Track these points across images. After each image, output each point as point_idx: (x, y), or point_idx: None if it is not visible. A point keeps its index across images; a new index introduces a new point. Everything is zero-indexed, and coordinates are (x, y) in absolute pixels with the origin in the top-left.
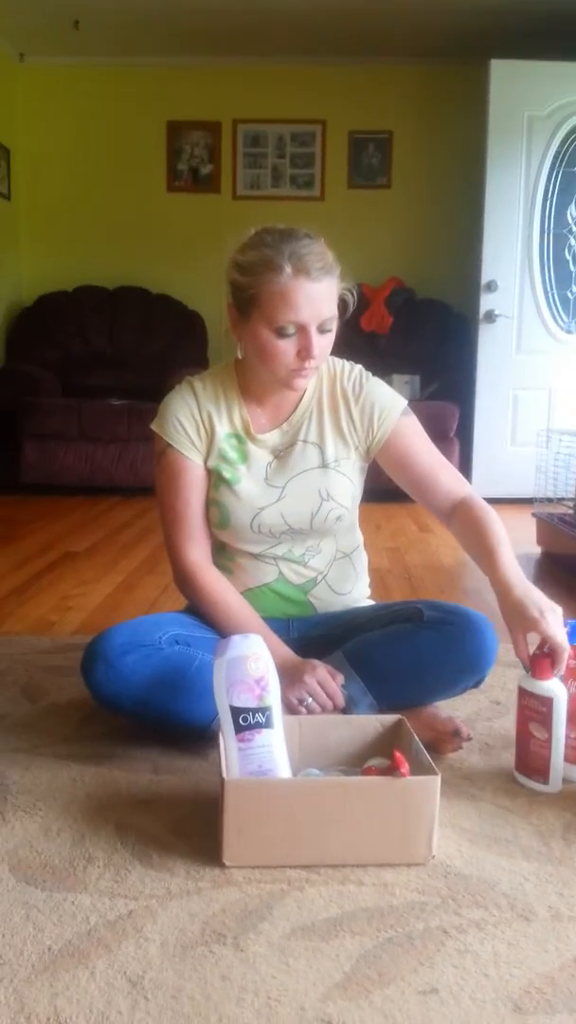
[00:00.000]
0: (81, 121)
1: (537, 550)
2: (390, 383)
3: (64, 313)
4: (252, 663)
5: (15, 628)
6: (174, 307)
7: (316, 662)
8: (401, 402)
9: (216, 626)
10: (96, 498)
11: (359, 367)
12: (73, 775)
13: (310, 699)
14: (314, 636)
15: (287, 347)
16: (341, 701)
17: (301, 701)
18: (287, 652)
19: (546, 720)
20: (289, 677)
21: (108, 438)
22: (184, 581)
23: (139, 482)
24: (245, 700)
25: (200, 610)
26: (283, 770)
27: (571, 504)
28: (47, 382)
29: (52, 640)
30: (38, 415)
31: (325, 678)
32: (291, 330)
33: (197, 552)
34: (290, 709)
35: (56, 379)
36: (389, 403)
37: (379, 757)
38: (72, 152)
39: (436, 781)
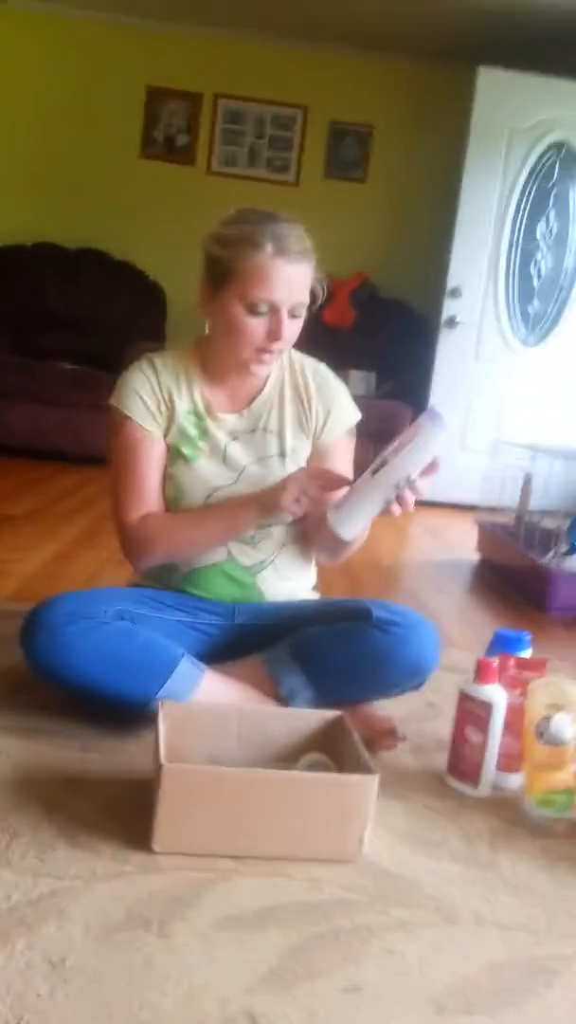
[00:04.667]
0: (58, 72)
1: (476, 557)
2: (347, 377)
3: (20, 269)
4: None
5: None
6: (136, 276)
7: (293, 472)
8: (354, 418)
9: (195, 539)
10: (38, 463)
11: (324, 365)
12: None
13: (304, 498)
14: (258, 625)
15: (256, 325)
16: (334, 486)
17: (297, 500)
18: (257, 492)
19: (483, 725)
20: (276, 490)
21: (56, 402)
22: (135, 537)
23: (83, 450)
24: None
25: (166, 549)
26: None
27: (513, 515)
28: None
29: None
30: None
31: (304, 477)
32: (263, 308)
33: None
34: (290, 512)
35: (7, 336)
36: (344, 414)
37: (316, 752)
38: (45, 103)
39: (373, 780)
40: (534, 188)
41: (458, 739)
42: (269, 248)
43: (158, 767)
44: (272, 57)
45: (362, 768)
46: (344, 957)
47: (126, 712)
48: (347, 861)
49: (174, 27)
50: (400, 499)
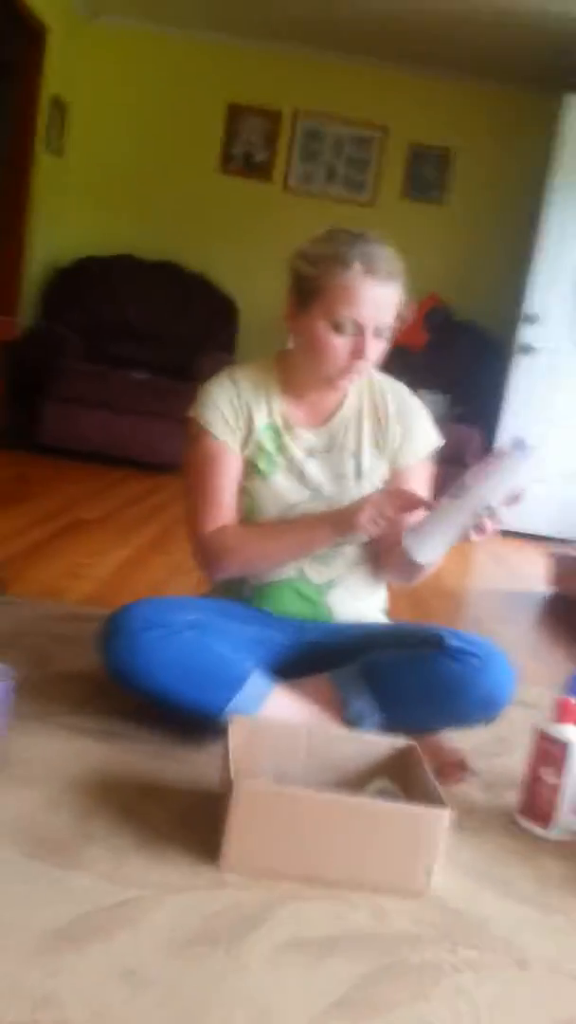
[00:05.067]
0: (143, 88)
1: (545, 589)
2: (419, 398)
3: (100, 279)
4: None
5: (25, 590)
6: (209, 289)
7: (372, 493)
8: (434, 443)
9: (270, 553)
10: (110, 467)
11: (405, 387)
12: (78, 748)
13: (380, 517)
14: (327, 644)
15: (341, 344)
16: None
17: (374, 521)
18: (333, 510)
19: (559, 766)
20: (354, 509)
21: (128, 410)
22: (211, 548)
23: (155, 458)
24: None
25: (241, 562)
26: None
27: None
28: (74, 345)
29: (63, 607)
30: (62, 377)
31: (382, 498)
32: (349, 327)
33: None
34: (366, 532)
35: (83, 344)
36: (423, 437)
37: (384, 779)
38: (129, 118)
39: (446, 814)
40: None
41: (532, 779)
42: (357, 267)
43: (228, 784)
44: (352, 76)
45: (433, 800)
46: (414, 994)
47: (196, 721)
48: (414, 894)
49: (255, 44)
50: (479, 526)
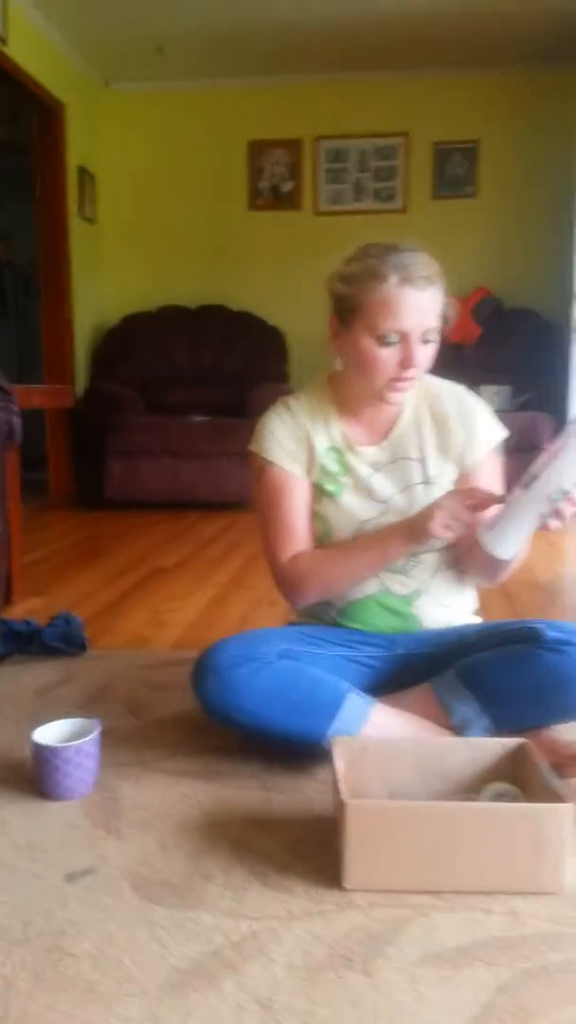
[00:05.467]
0: (163, 144)
1: None
2: (479, 393)
3: (147, 333)
4: None
5: (112, 643)
6: (255, 323)
7: (441, 496)
8: (498, 436)
9: (347, 573)
10: (180, 513)
11: (461, 386)
12: (184, 791)
13: (453, 520)
14: (420, 654)
15: (389, 356)
16: (484, 504)
17: (447, 526)
18: (405, 521)
19: None
20: (425, 517)
21: (190, 454)
22: (289, 577)
23: (222, 497)
24: None
25: (320, 584)
26: None
27: None
28: (130, 400)
29: (150, 655)
30: (122, 433)
31: (452, 501)
32: (394, 338)
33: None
34: (442, 538)
35: (139, 397)
36: (486, 434)
37: (500, 781)
38: (155, 175)
39: (569, 808)
40: None
41: None
42: (394, 278)
43: (340, 805)
44: (365, 91)
45: (554, 796)
46: (561, 995)
47: (300, 750)
48: (548, 892)
49: (265, 81)
50: (556, 512)
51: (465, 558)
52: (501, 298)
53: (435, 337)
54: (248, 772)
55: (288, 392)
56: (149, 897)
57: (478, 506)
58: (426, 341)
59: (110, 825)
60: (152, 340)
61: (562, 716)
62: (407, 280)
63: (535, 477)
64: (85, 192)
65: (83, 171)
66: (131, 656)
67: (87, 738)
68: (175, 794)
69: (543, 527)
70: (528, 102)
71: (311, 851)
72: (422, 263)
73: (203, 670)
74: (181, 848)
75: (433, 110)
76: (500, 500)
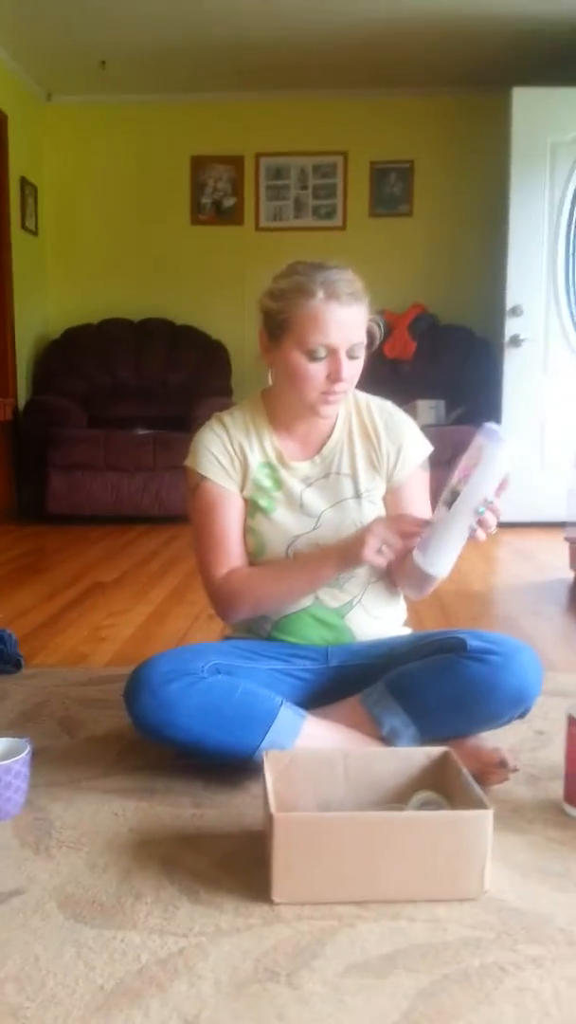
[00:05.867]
0: (107, 158)
1: (570, 575)
2: (415, 408)
3: (90, 345)
4: None
5: (48, 660)
6: (198, 337)
7: (371, 523)
8: (425, 451)
9: (278, 594)
10: (123, 527)
11: (390, 403)
12: (115, 809)
13: (385, 548)
14: (353, 666)
15: (317, 370)
16: (415, 531)
17: (379, 551)
18: (337, 545)
19: None
20: (357, 543)
21: (133, 468)
22: (222, 594)
23: (165, 511)
24: None
25: (252, 603)
26: None
27: None
28: (73, 413)
29: (86, 672)
30: (64, 446)
31: (383, 527)
32: (322, 353)
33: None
34: (376, 563)
35: (82, 410)
36: (414, 449)
37: (426, 790)
38: (98, 188)
39: (488, 815)
40: None
41: (572, 765)
42: (320, 294)
43: (269, 817)
44: (306, 110)
45: (475, 803)
46: (477, 999)
47: (233, 765)
48: (470, 899)
49: (209, 97)
50: (482, 523)
51: (395, 570)
52: (436, 314)
53: (361, 352)
54: (181, 789)
55: (231, 405)
56: (77, 917)
57: (406, 534)
58: (353, 356)
59: (39, 845)
60: (95, 353)
61: (486, 724)
62: (333, 296)
63: (456, 494)
64: (27, 204)
65: (25, 182)
66: (67, 673)
67: (16, 758)
68: (106, 812)
69: (472, 539)
70: (459, 124)
71: (241, 866)
72: (347, 280)
73: (136, 686)
74: (111, 867)
75: (370, 130)
76: (426, 524)
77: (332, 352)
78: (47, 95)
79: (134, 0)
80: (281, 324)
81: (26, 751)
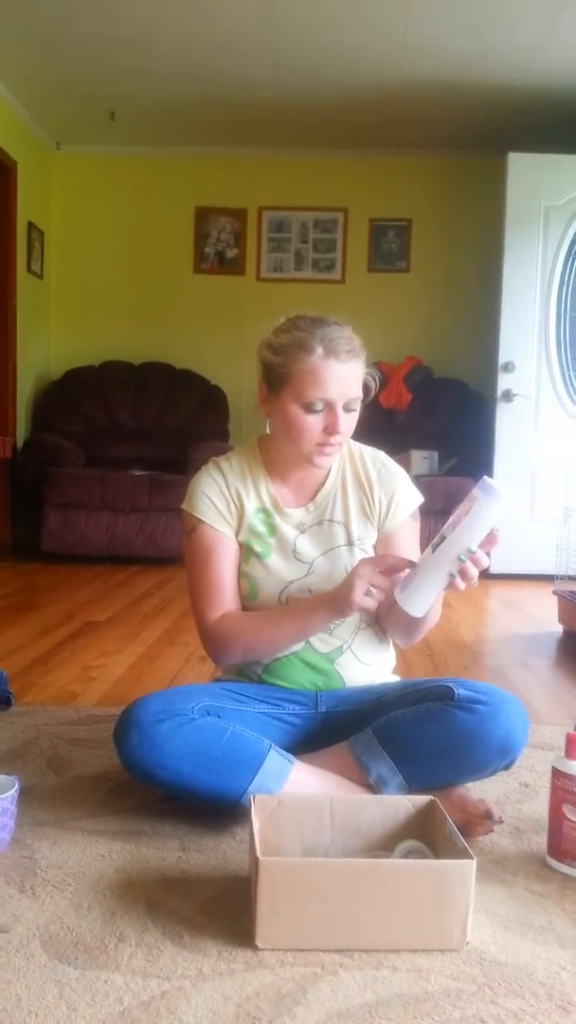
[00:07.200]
0: (113, 206)
1: (558, 628)
2: (408, 458)
3: (90, 386)
4: None
5: (38, 698)
6: (197, 381)
7: (356, 566)
8: (416, 502)
9: (270, 639)
10: (116, 567)
11: (383, 452)
12: (102, 851)
13: (373, 589)
14: (342, 712)
15: (314, 422)
16: (399, 567)
17: (367, 593)
18: (328, 594)
19: None
20: (345, 587)
21: (129, 508)
22: (214, 637)
23: (159, 552)
24: None
25: (243, 648)
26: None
27: None
28: (71, 453)
29: (76, 711)
30: (60, 484)
31: (367, 569)
32: (319, 406)
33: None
34: (363, 607)
35: (80, 450)
36: (406, 499)
37: (411, 839)
38: (103, 235)
39: (472, 866)
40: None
41: (555, 818)
42: (320, 351)
43: (255, 861)
44: (308, 167)
45: (459, 853)
46: None
47: (220, 808)
48: (452, 950)
49: (215, 151)
50: (462, 572)
51: (384, 616)
52: (431, 367)
53: (357, 406)
54: (167, 831)
55: (227, 449)
56: (60, 957)
57: (391, 571)
58: (349, 410)
59: (24, 884)
60: (95, 394)
61: (472, 773)
62: (332, 353)
63: (443, 538)
64: (33, 247)
65: (32, 227)
66: (56, 712)
67: (4, 795)
68: (92, 853)
69: (452, 587)
70: (456, 185)
71: (226, 910)
72: (346, 337)
73: (125, 726)
74: (95, 908)
75: (370, 188)
76: (411, 564)
77: (329, 406)
78: (56, 144)
79: (145, 55)
80: (280, 377)
81: (14, 788)
